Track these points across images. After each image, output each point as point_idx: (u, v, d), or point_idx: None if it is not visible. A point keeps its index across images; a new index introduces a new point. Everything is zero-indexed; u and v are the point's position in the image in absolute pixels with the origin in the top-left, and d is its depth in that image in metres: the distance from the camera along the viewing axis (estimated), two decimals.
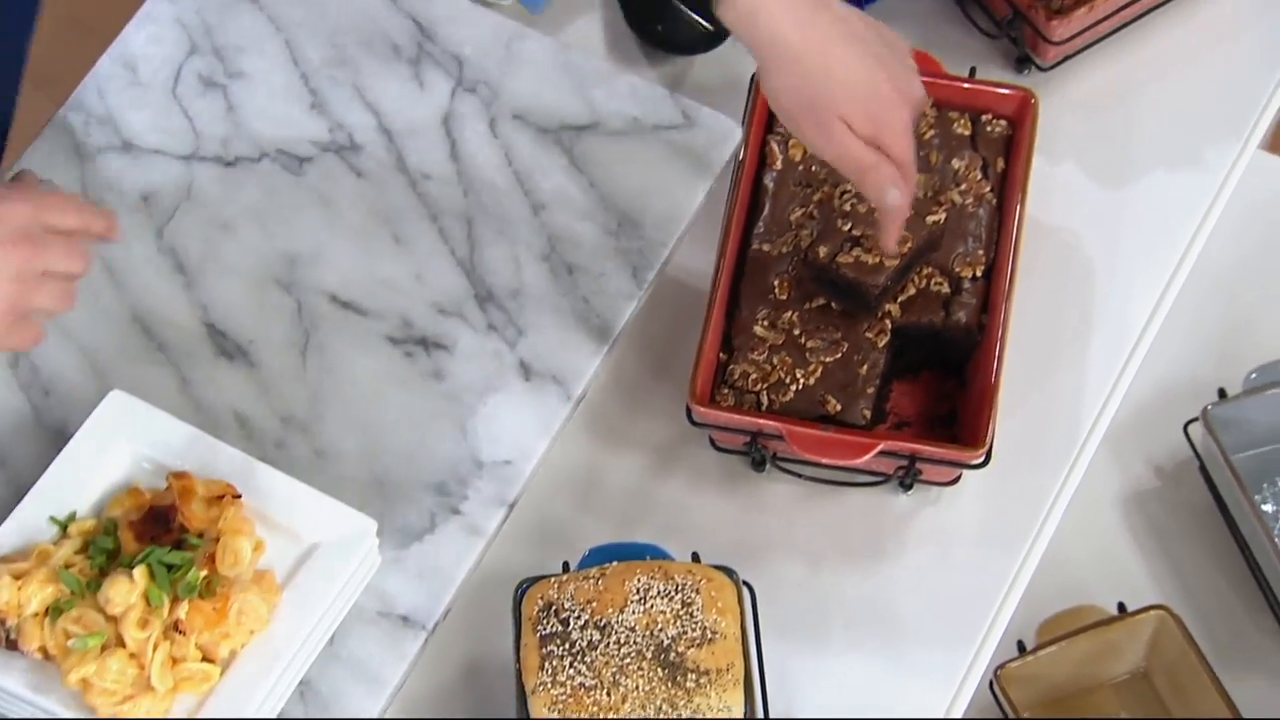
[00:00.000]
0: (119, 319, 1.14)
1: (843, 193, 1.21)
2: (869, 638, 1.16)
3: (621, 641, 1.03)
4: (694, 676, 1.03)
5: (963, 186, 1.21)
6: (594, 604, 1.05)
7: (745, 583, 1.10)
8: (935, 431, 1.20)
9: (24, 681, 0.99)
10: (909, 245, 1.16)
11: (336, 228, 1.18)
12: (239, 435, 1.10)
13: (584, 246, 1.17)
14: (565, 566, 1.11)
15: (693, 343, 1.16)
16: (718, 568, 1.09)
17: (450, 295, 1.16)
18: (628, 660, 1.03)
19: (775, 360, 1.17)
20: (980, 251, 1.20)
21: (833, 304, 1.19)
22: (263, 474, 1.04)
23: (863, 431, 1.15)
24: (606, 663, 1.03)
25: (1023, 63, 1.33)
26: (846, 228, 1.19)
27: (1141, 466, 1.47)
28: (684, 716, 1.02)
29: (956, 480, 1.19)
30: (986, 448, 1.12)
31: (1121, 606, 1.37)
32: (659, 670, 1.03)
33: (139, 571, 0.98)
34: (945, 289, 1.19)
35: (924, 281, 1.19)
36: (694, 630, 1.04)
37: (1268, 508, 1.43)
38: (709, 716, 1.02)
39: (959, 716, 1.16)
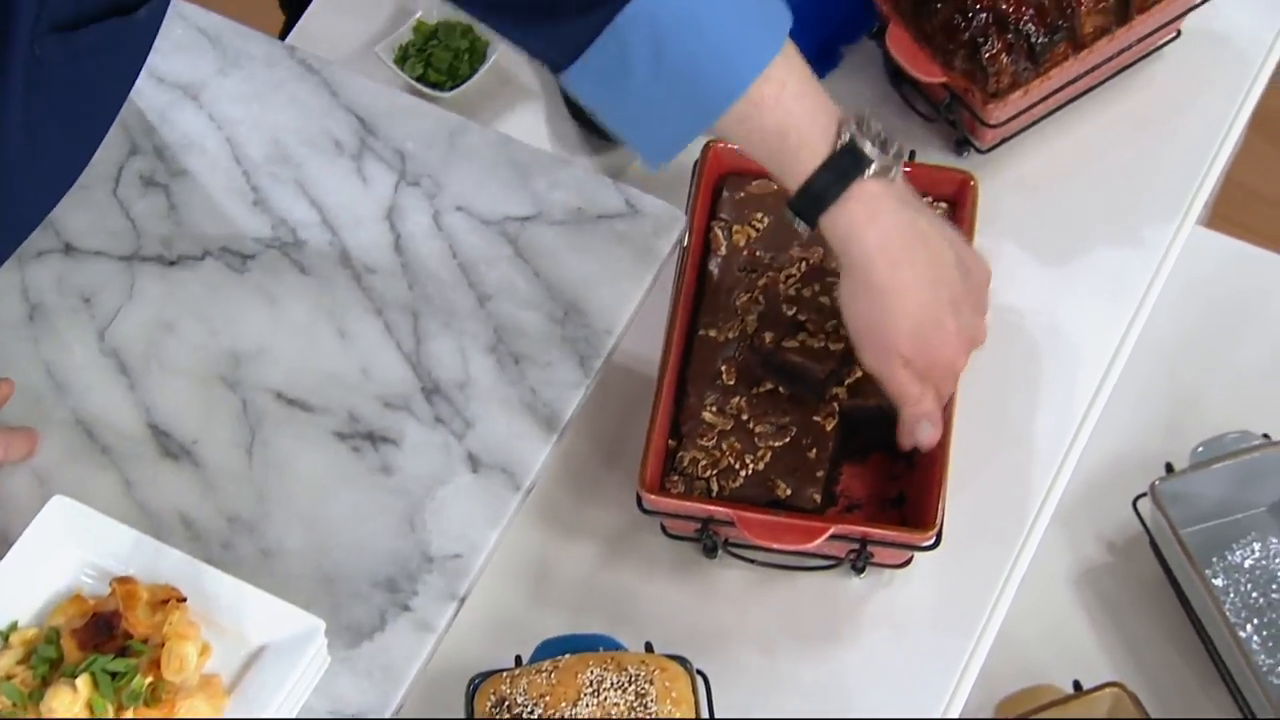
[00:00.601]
0: (61, 423, 1.13)
1: (788, 277, 1.22)
2: None
3: None
4: None
5: None
6: (547, 698, 1.04)
7: (699, 671, 1.09)
8: (886, 513, 1.20)
9: None
10: None
11: (281, 324, 1.17)
12: (185, 537, 1.09)
13: (530, 336, 1.17)
14: (518, 660, 1.10)
15: (642, 430, 1.16)
16: (671, 657, 1.08)
17: (397, 389, 1.15)
18: None
19: (724, 446, 1.17)
20: None
21: (780, 388, 1.19)
22: (208, 576, 1.03)
23: (813, 516, 1.15)
24: None
25: (962, 145, 1.34)
26: (791, 313, 1.20)
27: (1092, 542, 1.47)
28: None
29: (909, 562, 1.19)
30: (937, 529, 1.12)
31: (1077, 684, 1.37)
32: None
33: (82, 681, 0.97)
34: None
35: None
36: None
37: (1218, 581, 1.43)
38: None
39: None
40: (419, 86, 1.36)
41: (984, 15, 1.27)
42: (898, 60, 1.30)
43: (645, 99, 1.03)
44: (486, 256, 1.20)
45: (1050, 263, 1.32)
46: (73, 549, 1.04)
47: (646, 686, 1.04)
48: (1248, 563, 1.44)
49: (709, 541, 1.17)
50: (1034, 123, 1.34)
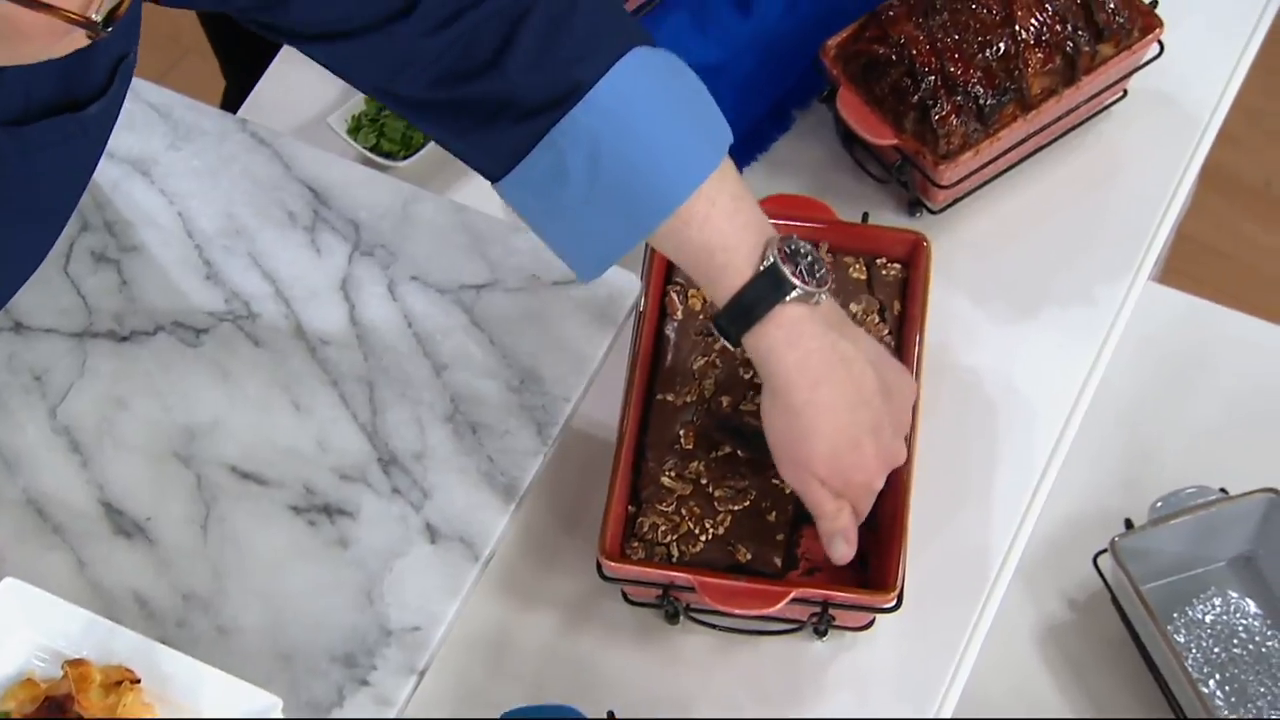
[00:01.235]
0: (12, 503, 1.12)
1: None
2: None
3: None
4: None
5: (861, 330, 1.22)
6: None
7: None
8: (847, 575, 1.20)
9: None
10: None
11: (235, 398, 1.17)
12: (139, 616, 1.08)
13: (487, 405, 1.17)
14: None
15: (601, 496, 1.15)
16: None
17: (353, 461, 1.15)
18: None
19: (684, 511, 1.17)
20: None
21: (739, 452, 1.19)
22: (163, 656, 1.02)
23: (774, 580, 1.14)
24: None
25: (914, 206, 1.35)
26: (749, 376, 1.20)
27: (1054, 600, 1.47)
28: None
29: (871, 624, 1.19)
30: (898, 591, 1.12)
31: None
32: None
33: None
34: None
35: None
36: None
37: (1180, 637, 1.43)
38: None
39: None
40: (372, 157, 1.36)
41: (933, 78, 1.28)
42: (849, 123, 1.31)
43: (579, 211, 1.03)
44: (442, 326, 1.20)
45: (1005, 321, 1.32)
46: (24, 631, 1.03)
47: None
48: (1209, 618, 1.44)
49: (670, 608, 1.16)
50: (985, 183, 1.35)
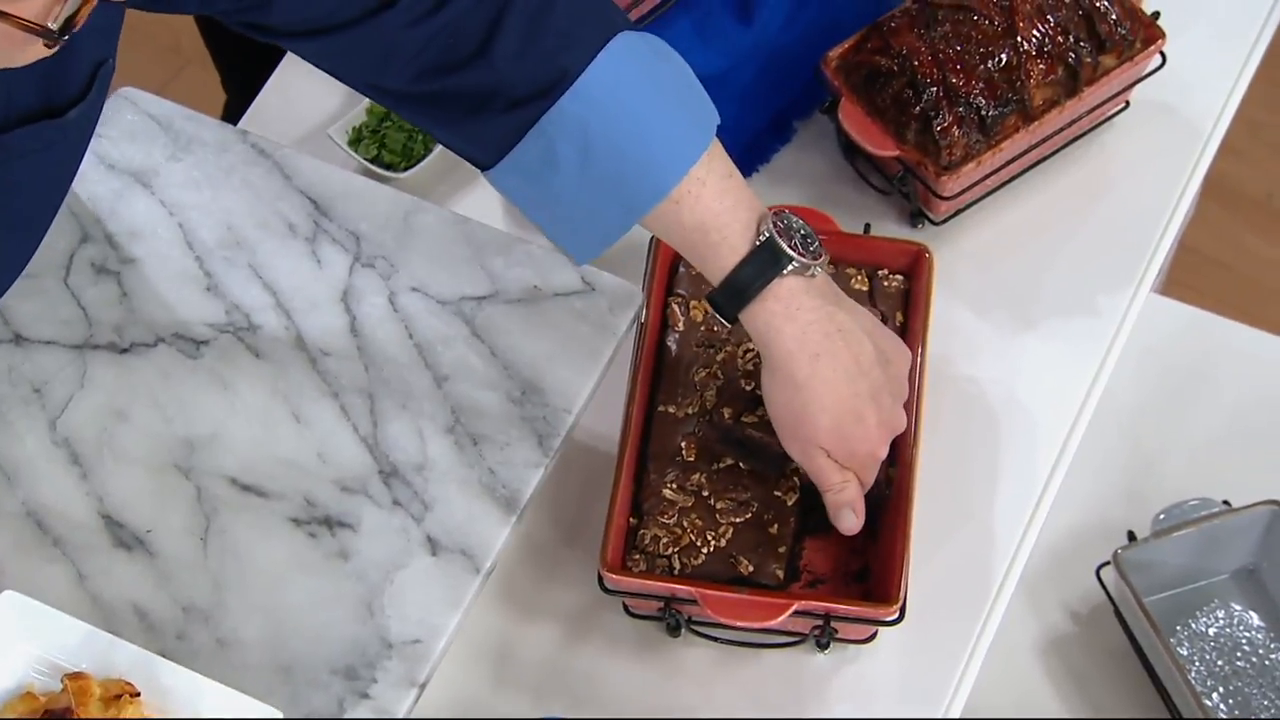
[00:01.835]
0: (11, 516, 1.12)
1: (746, 352, 1.22)
2: None
3: None
4: None
5: None
6: None
7: None
8: (849, 588, 1.19)
9: None
10: None
11: (236, 409, 1.16)
12: (139, 628, 1.07)
13: (488, 416, 1.16)
14: None
15: (602, 508, 1.15)
16: None
17: (354, 472, 1.14)
18: None
19: (685, 523, 1.16)
20: None
21: (741, 464, 1.19)
22: (163, 669, 1.01)
23: (776, 592, 1.14)
24: None
25: (916, 217, 1.34)
26: (750, 387, 1.19)
27: (1057, 612, 1.47)
28: None
29: (873, 637, 1.19)
30: (900, 604, 1.12)
31: None
32: None
33: None
34: None
35: None
36: None
37: (1183, 650, 1.43)
38: None
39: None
40: (373, 168, 1.36)
41: (935, 89, 1.28)
42: (850, 134, 1.31)
43: (571, 197, 1.04)
44: (443, 337, 1.19)
45: (1007, 333, 1.32)
46: (23, 645, 1.02)
47: None
48: (1212, 630, 1.44)
49: (672, 620, 1.16)
50: (987, 194, 1.34)
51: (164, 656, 1.04)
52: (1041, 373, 1.30)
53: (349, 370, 1.18)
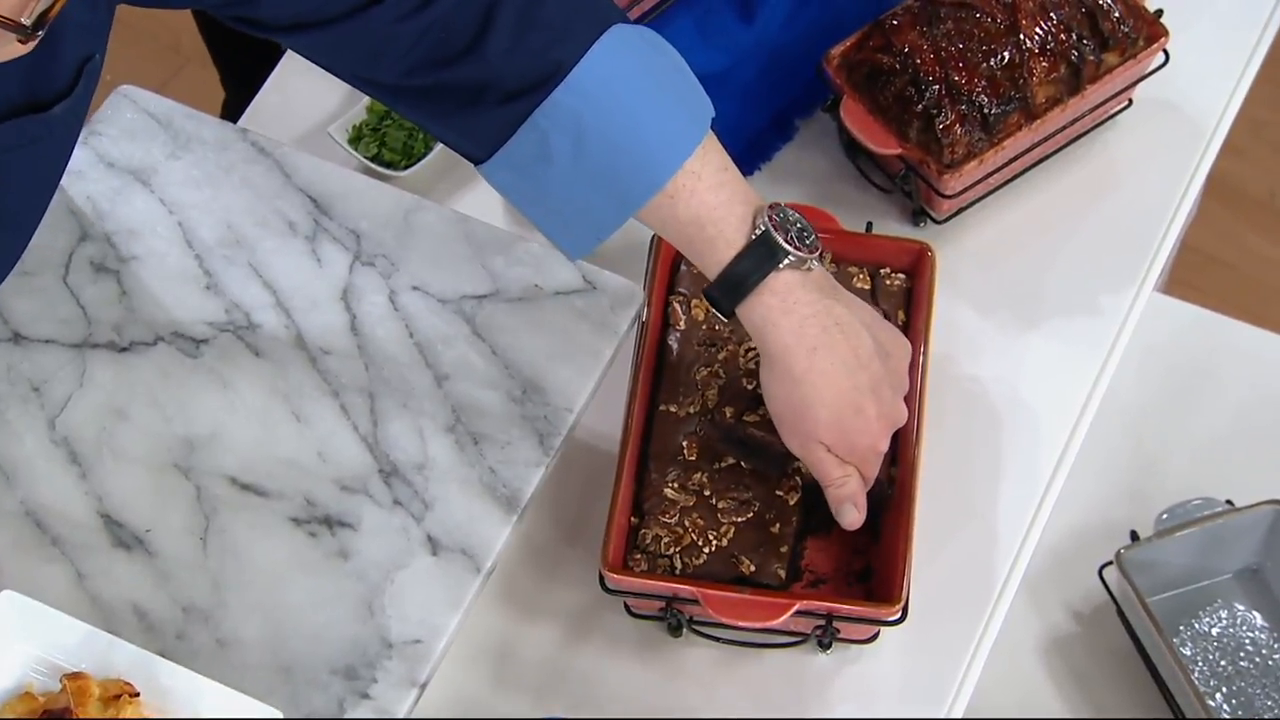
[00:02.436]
0: (10, 515, 1.11)
1: (747, 351, 1.21)
2: None
3: None
4: None
5: None
6: None
7: None
8: (851, 587, 1.19)
9: None
10: None
11: (235, 408, 1.16)
12: (138, 628, 1.07)
13: (489, 416, 1.16)
14: None
15: (603, 507, 1.15)
16: None
17: (354, 472, 1.14)
18: None
19: (687, 522, 1.16)
20: None
21: (742, 463, 1.18)
22: (162, 669, 1.01)
23: (778, 592, 1.14)
24: None
25: (918, 216, 1.34)
26: (751, 387, 1.19)
27: (1060, 612, 1.46)
28: None
29: (875, 637, 1.18)
30: (902, 604, 1.11)
31: None
32: None
33: None
34: None
35: None
36: None
37: (1186, 650, 1.42)
38: None
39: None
40: (374, 166, 1.36)
41: (937, 87, 1.27)
42: (853, 132, 1.30)
43: (564, 191, 1.03)
44: (444, 336, 1.19)
45: (1009, 332, 1.31)
46: (21, 645, 1.02)
47: None
48: (1215, 630, 1.44)
49: (673, 620, 1.16)
50: (990, 192, 1.34)
51: (163, 656, 1.03)
52: (1044, 372, 1.30)
53: (349, 369, 1.17)
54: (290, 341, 1.19)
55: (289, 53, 1.43)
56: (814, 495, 1.18)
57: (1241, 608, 1.45)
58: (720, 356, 1.22)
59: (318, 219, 1.23)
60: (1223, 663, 1.43)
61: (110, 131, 1.26)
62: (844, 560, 1.21)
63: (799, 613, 1.11)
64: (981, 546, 1.23)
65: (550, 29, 1.01)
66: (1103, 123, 1.38)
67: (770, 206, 1.07)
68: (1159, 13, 1.33)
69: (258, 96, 1.42)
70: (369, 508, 1.12)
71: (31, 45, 0.80)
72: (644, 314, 1.21)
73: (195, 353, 1.18)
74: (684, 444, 1.19)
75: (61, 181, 1.23)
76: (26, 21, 0.78)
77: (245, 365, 1.18)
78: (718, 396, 1.20)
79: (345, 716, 1.05)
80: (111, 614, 1.08)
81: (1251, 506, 1.44)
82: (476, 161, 1.06)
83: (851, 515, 1.13)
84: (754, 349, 1.20)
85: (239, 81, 1.83)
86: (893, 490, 1.17)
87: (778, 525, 1.16)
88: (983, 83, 1.28)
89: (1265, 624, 1.45)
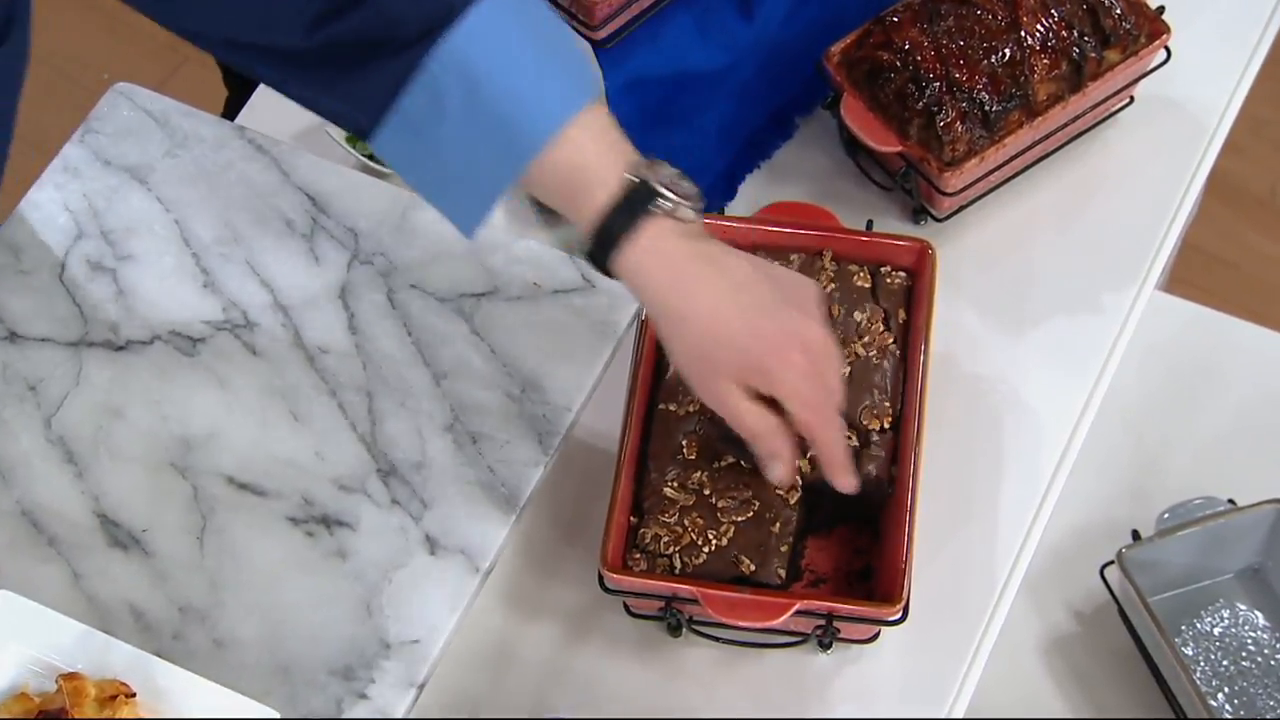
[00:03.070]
0: (6, 515, 1.11)
1: None
2: None
3: None
4: None
5: (866, 339, 1.21)
6: None
7: None
8: (852, 587, 1.19)
9: None
10: None
11: (232, 408, 1.16)
12: (134, 629, 1.07)
13: (488, 415, 1.16)
14: None
15: (603, 507, 1.14)
16: None
17: (352, 471, 1.13)
18: None
19: (686, 522, 1.16)
20: (886, 404, 1.19)
21: (742, 462, 1.18)
22: (159, 669, 1.01)
23: (778, 592, 1.13)
24: None
25: (919, 214, 1.34)
26: None
27: (1061, 612, 1.46)
28: None
29: (876, 637, 1.18)
30: (903, 603, 1.11)
31: None
32: None
33: None
34: (854, 442, 1.18)
35: None
36: None
37: (1188, 650, 1.42)
38: None
39: (961, 717, 1.15)
40: (371, 164, 1.35)
41: (938, 84, 1.27)
42: (853, 130, 1.30)
43: (456, 148, 1.01)
44: (442, 334, 1.18)
45: (1010, 330, 1.31)
46: (17, 645, 1.02)
47: None
48: (1217, 630, 1.43)
49: (673, 620, 1.15)
50: (990, 190, 1.34)
51: (160, 657, 1.03)
52: (1045, 371, 1.29)
53: (347, 368, 1.17)
54: (288, 340, 1.18)
55: None
56: (814, 495, 1.17)
57: (1243, 607, 1.45)
58: None
59: (315, 217, 1.23)
60: (1225, 663, 1.42)
61: (107, 129, 1.25)
62: (844, 560, 1.20)
63: (799, 613, 1.11)
64: (982, 546, 1.22)
65: None
66: (1104, 120, 1.38)
67: (649, 158, 1.04)
68: (1160, 9, 1.33)
69: (255, 94, 1.42)
70: (367, 507, 1.12)
71: None
72: (643, 312, 1.21)
73: (192, 351, 1.18)
74: (683, 443, 1.19)
75: (58, 180, 1.23)
76: None
77: (242, 364, 1.17)
78: None
79: (343, 717, 1.05)
80: (108, 614, 1.08)
81: (1253, 506, 1.44)
82: (366, 133, 1.03)
83: (778, 472, 1.08)
84: None
85: (240, 80, 1.82)
86: (893, 489, 1.17)
87: (778, 524, 1.16)
88: (984, 80, 1.27)
89: (1267, 624, 1.45)
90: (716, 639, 1.18)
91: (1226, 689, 1.41)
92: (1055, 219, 1.36)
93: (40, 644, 1.02)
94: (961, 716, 1.17)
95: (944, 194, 1.29)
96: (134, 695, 0.99)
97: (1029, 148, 1.32)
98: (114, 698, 0.99)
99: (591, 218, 1.03)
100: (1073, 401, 1.28)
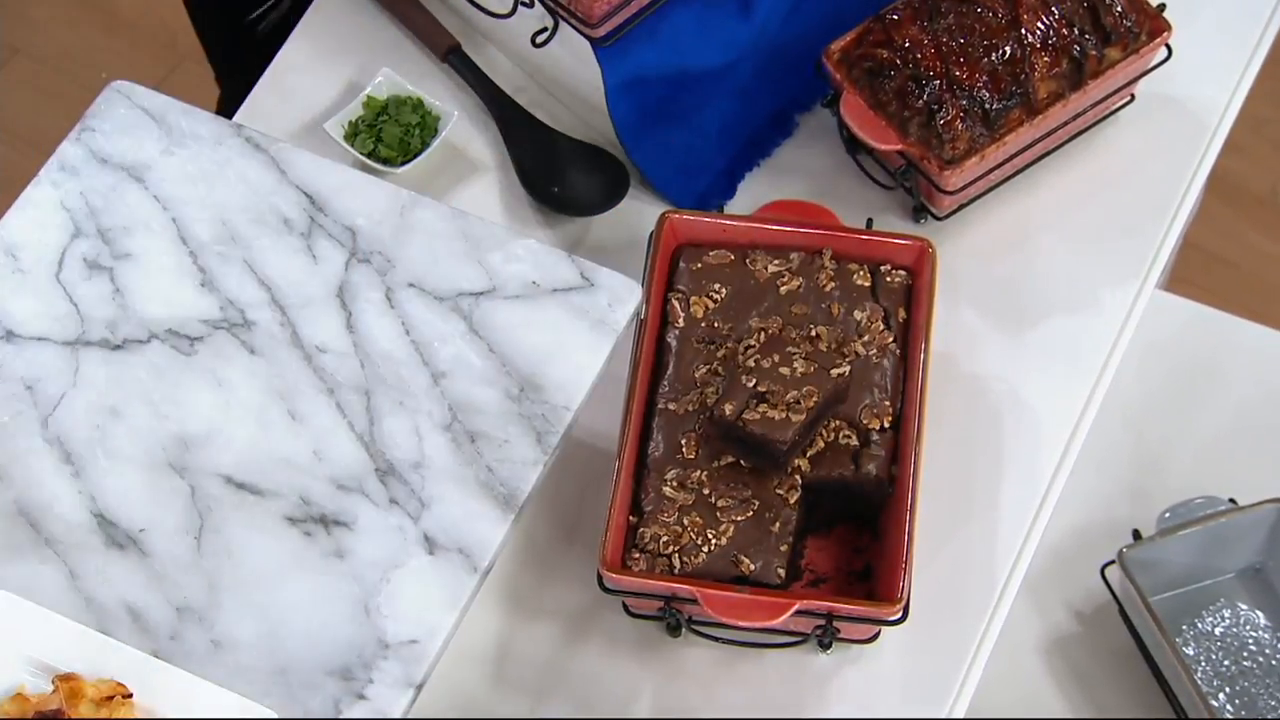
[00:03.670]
0: (2, 515, 1.10)
1: (747, 348, 1.20)
2: None
3: None
4: None
5: (866, 338, 1.21)
6: None
7: None
8: (852, 587, 1.18)
9: None
10: (815, 399, 1.15)
11: (230, 407, 1.15)
12: (132, 629, 1.06)
13: (486, 414, 1.15)
14: None
15: (602, 506, 1.14)
16: None
17: (350, 470, 1.13)
18: None
19: (686, 521, 1.15)
20: (887, 402, 1.19)
21: (741, 461, 1.17)
22: (156, 670, 1.01)
23: (778, 591, 1.13)
24: None
25: (919, 212, 1.33)
26: (751, 384, 1.18)
27: (1061, 611, 1.46)
28: None
29: (876, 637, 1.17)
30: (903, 603, 1.11)
31: None
32: None
33: None
34: (854, 442, 1.18)
35: (832, 435, 1.18)
36: None
37: (1189, 649, 1.42)
38: None
39: (961, 717, 1.15)
40: (369, 163, 1.35)
41: (938, 82, 1.26)
42: (853, 128, 1.30)
43: None
44: (440, 333, 1.18)
45: (1010, 329, 1.31)
46: (14, 645, 1.02)
47: None
48: (1218, 630, 1.43)
49: (672, 620, 1.15)
50: (991, 189, 1.33)
51: (157, 658, 1.03)
52: (1045, 370, 1.29)
53: (345, 367, 1.17)
54: (285, 339, 1.18)
55: (285, 48, 1.42)
56: (814, 494, 1.17)
57: (1244, 607, 1.45)
58: (719, 354, 1.21)
59: (313, 215, 1.22)
60: (1226, 662, 1.42)
61: (104, 127, 1.25)
62: (844, 559, 1.20)
63: (799, 612, 1.10)
64: (983, 545, 1.22)
65: None
66: (1105, 118, 1.38)
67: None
68: (1161, 7, 1.32)
69: (253, 92, 1.41)
70: (365, 507, 1.12)
71: None
72: (642, 311, 1.20)
73: (189, 350, 1.17)
74: (683, 442, 1.18)
75: (54, 178, 1.23)
76: None
77: (240, 363, 1.17)
78: (716, 394, 1.19)
79: (341, 717, 1.05)
80: (105, 614, 1.07)
81: (1254, 505, 1.43)
82: None
83: None
84: (753, 346, 1.20)
85: (234, 79, 1.82)
86: (893, 489, 1.17)
87: (777, 524, 1.15)
88: (984, 78, 1.27)
89: (1268, 623, 1.44)
90: (716, 639, 1.17)
91: (1228, 689, 1.41)
92: (1056, 217, 1.35)
93: (37, 645, 1.02)
94: (961, 716, 1.17)
95: (944, 192, 1.29)
96: (131, 696, 0.99)
97: (1029, 146, 1.31)
98: (111, 698, 0.99)
99: None
100: (1073, 400, 1.28)
